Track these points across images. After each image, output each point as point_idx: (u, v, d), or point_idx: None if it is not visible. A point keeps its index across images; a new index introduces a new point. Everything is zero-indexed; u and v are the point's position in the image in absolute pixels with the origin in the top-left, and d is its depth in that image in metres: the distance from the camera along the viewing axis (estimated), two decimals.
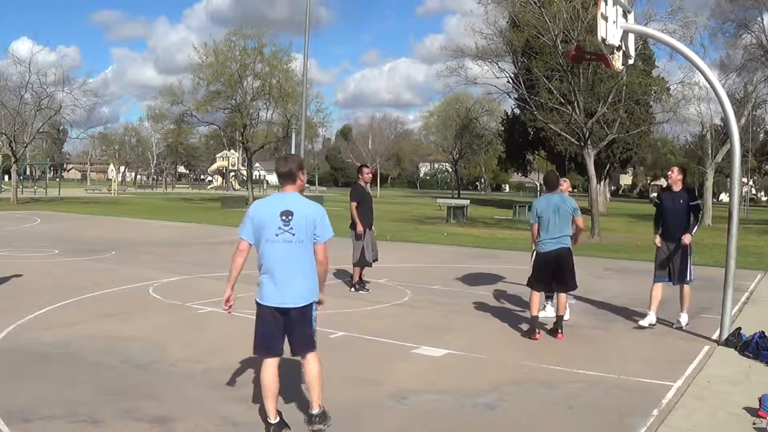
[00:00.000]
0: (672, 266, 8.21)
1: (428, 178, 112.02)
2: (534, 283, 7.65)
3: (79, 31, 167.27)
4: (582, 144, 23.30)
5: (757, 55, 31.50)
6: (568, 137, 25.87)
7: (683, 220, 8.06)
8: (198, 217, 27.45)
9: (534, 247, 7.82)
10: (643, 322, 8.18)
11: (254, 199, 42.57)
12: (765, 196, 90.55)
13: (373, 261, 10.41)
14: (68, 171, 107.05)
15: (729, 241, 7.49)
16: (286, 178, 4.50)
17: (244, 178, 62.46)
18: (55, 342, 6.64)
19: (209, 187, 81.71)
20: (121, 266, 12.30)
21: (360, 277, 10.32)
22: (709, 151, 33.39)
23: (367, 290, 10.19)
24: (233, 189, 71.11)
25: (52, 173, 77.85)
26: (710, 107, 32.40)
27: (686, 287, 8.28)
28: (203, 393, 5.31)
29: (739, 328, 7.31)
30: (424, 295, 10.09)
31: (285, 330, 4.46)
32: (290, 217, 4.33)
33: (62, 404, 4.89)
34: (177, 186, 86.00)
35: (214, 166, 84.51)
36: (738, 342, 7.05)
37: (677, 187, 8.20)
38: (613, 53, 7.77)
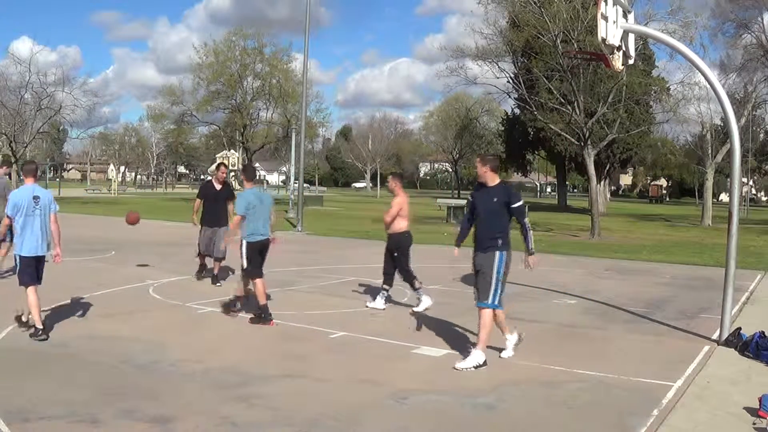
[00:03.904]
0: (476, 282, 6.47)
1: (428, 178, 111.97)
2: (253, 271, 7.91)
3: (80, 31, 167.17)
4: (582, 144, 23.29)
5: (757, 55, 31.49)
6: (568, 137, 25.87)
7: (495, 225, 6.33)
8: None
9: (233, 237, 8.16)
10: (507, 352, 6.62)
11: None
12: (765, 196, 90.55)
13: (206, 254, 10.70)
14: (68, 171, 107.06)
15: (729, 241, 7.49)
16: (32, 173, 7.14)
17: None
18: (55, 342, 6.64)
19: None
20: (121, 266, 12.29)
21: (201, 266, 10.84)
22: (709, 151, 33.40)
23: (196, 278, 10.68)
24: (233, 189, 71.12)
25: (52, 173, 77.85)
26: (710, 107, 32.46)
27: (484, 312, 6.24)
28: (203, 393, 5.30)
29: (739, 328, 7.31)
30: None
31: (36, 269, 6.96)
32: (38, 200, 6.91)
33: (62, 404, 4.89)
34: (177, 186, 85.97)
35: (213, 166, 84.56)
36: (738, 342, 7.05)
37: (491, 182, 6.45)
38: (613, 53, 7.77)
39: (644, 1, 31.93)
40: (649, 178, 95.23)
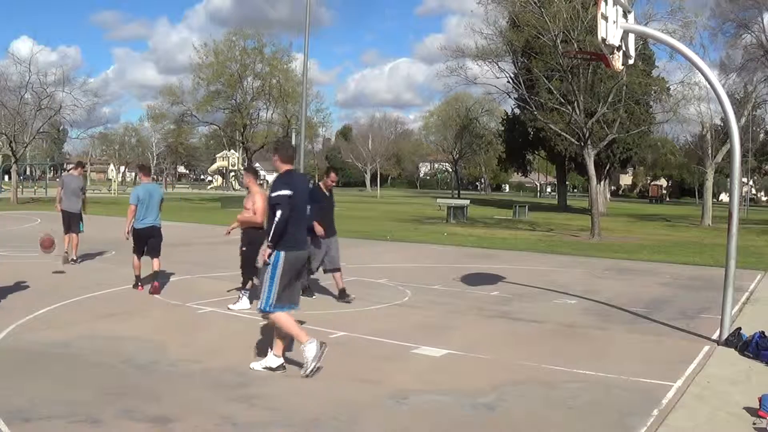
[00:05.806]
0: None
1: (428, 178, 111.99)
2: (135, 250, 9.68)
3: (80, 31, 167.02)
4: (582, 144, 23.30)
5: (757, 55, 31.49)
6: (568, 137, 25.88)
7: (271, 220, 5.77)
8: (198, 217, 27.45)
9: (130, 224, 9.67)
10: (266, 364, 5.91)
11: None
12: (765, 196, 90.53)
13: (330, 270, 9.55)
14: (68, 171, 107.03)
15: (729, 241, 7.48)
16: None
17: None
18: (55, 342, 6.63)
19: (209, 187, 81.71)
20: (121, 266, 12.26)
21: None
22: (709, 151, 33.39)
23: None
24: (233, 189, 71.09)
25: (52, 173, 77.82)
26: (710, 107, 32.45)
27: (271, 317, 5.84)
28: (203, 393, 5.30)
29: (739, 328, 7.31)
30: (424, 295, 10.09)
31: None
32: None
33: (62, 404, 4.89)
34: (177, 186, 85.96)
35: (214, 166, 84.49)
36: (738, 342, 7.05)
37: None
38: (613, 53, 7.77)
39: (644, 1, 31.96)
40: (649, 178, 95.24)
